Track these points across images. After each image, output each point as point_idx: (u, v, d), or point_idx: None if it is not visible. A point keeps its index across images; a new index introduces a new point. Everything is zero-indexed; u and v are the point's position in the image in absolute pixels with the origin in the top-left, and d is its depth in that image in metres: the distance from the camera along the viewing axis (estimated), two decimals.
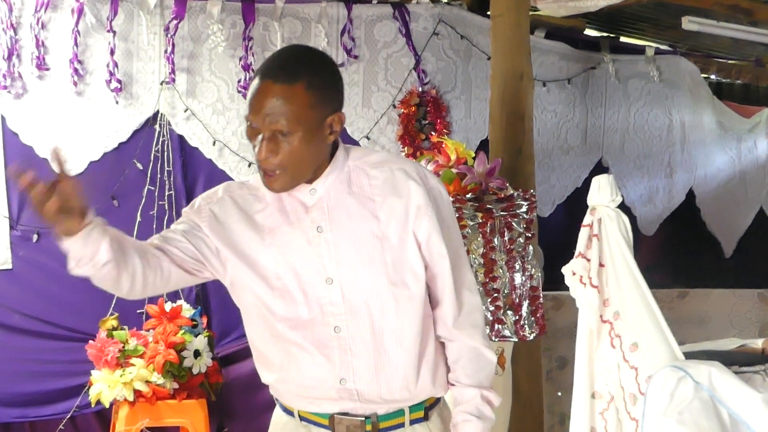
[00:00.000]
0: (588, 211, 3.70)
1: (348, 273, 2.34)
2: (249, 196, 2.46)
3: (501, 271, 4.10)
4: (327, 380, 2.36)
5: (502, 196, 4.16)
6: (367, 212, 2.36)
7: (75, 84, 5.12)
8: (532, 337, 4.21)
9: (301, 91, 2.23)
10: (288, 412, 2.48)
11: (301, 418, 2.44)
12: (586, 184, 3.85)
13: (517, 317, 4.13)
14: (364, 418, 2.38)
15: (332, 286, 2.34)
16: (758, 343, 3.91)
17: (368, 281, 2.34)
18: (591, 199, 3.69)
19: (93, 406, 4.81)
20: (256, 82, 2.28)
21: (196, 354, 4.79)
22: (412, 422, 2.43)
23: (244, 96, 5.28)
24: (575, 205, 6.13)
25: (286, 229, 2.37)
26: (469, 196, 4.08)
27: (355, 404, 2.38)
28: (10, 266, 5.09)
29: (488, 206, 4.08)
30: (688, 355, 3.53)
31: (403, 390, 2.38)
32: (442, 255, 2.40)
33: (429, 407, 2.46)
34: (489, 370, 2.53)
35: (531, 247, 4.25)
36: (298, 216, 2.37)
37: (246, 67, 5.36)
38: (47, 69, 5.09)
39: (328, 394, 2.37)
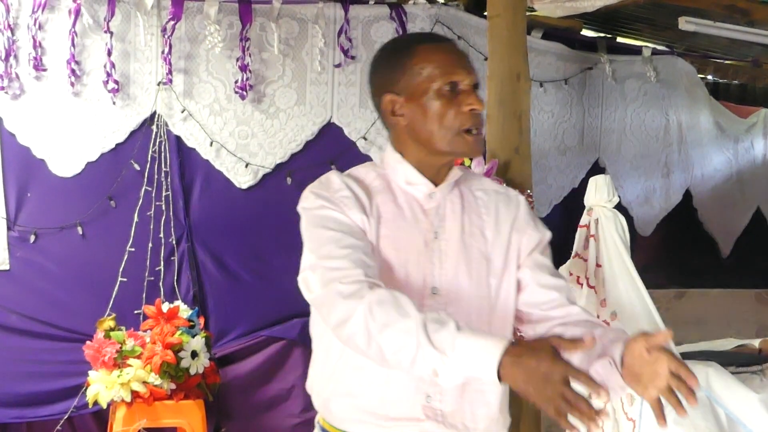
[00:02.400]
0: (585, 211, 3.71)
1: (454, 287, 2.25)
2: (358, 182, 2.32)
3: None
4: (412, 395, 2.21)
5: None
6: (476, 229, 2.33)
7: (72, 85, 5.11)
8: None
9: None
10: None
11: None
12: (583, 184, 3.86)
13: None
14: None
15: (436, 296, 2.24)
16: (755, 344, 3.93)
17: (472, 300, 2.27)
18: (588, 199, 3.70)
19: (90, 406, 4.80)
20: (438, 43, 2.32)
21: (194, 354, 4.79)
22: None
23: (242, 97, 5.31)
24: (572, 206, 6.14)
25: (403, 224, 2.28)
26: None
27: (438, 429, 2.22)
28: (7, 267, 5.09)
29: None
30: (686, 356, 3.54)
31: (485, 418, 2.28)
32: (547, 261, 2.41)
33: None
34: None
35: None
36: (416, 215, 2.30)
37: (243, 68, 5.36)
38: (44, 70, 5.08)
39: (411, 413, 2.22)
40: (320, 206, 2.25)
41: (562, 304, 2.38)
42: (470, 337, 1.95)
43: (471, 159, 4.30)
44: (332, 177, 2.31)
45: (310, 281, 2.22)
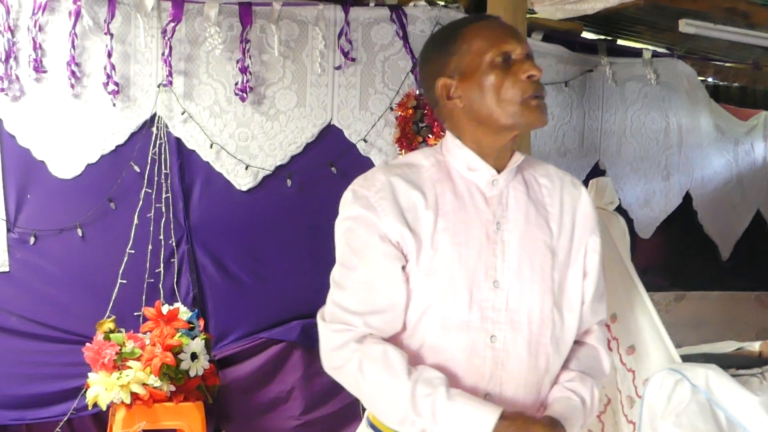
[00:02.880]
0: None
1: (517, 280, 2.19)
2: (413, 172, 2.24)
3: None
4: (471, 394, 2.14)
5: None
6: (542, 220, 2.27)
7: (72, 87, 5.11)
8: None
9: None
10: None
11: None
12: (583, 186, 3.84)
13: None
14: None
15: (498, 290, 2.18)
16: (755, 346, 3.92)
17: (535, 294, 2.21)
18: None
19: (90, 408, 4.80)
20: (488, 21, 2.26)
21: (193, 357, 4.79)
22: None
23: (242, 99, 5.31)
24: None
25: (464, 216, 2.19)
26: None
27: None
28: (7, 269, 5.08)
29: None
30: (686, 358, 3.54)
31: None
32: (597, 269, 2.37)
33: None
34: (601, 371, 2.41)
35: None
36: (477, 205, 2.21)
37: (243, 70, 5.36)
38: (44, 71, 5.08)
39: None
40: (354, 218, 2.20)
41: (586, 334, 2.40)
42: (460, 405, 2.02)
43: None
44: (378, 175, 2.23)
45: (325, 307, 2.25)
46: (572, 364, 2.33)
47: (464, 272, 2.15)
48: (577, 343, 2.38)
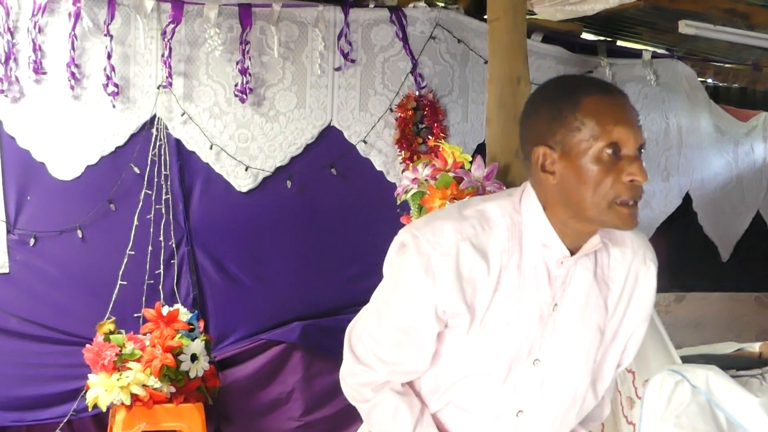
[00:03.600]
0: None
1: (559, 361, 2.11)
2: (487, 235, 2.05)
3: None
4: None
5: None
6: (601, 300, 2.14)
7: (72, 88, 5.11)
8: None
9: None
10: None
11: None
12: None
13: None
14: None
15: (537, 368, 2.10)
16: (755, 347, 3.92)
17: (574, 375, 2.14)
18: None
19: (90, 410, 4.79)
20: (613, 98, 2.03)
21: (193, 358, 4.79)
22: None
23: (242, 100, 5.31)
24: None
25: (521, 295, 2.06)
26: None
27: None
28: (7, 270, 5.08)
29: None
30: (686, 359, 3.54)
31: None
32: (637, 347, 2.29)
33: None
34: (600, 416, 2.38)
35: None
36: (539, 285, 2.07)
37: (243, 71, 5.36)
38: (44, 73, 5.08)
39: None
40: (411, 273, 2.06)
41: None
42: None
43: (470, 162, 4.30)
44: (448, 233, 2.04)
45: (355, 331, 2.20)
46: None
47: (508, 351, 2.08)
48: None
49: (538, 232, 2.06)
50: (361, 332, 2.18)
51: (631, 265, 2.19)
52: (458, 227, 2.04)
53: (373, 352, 2.14)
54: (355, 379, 2.19)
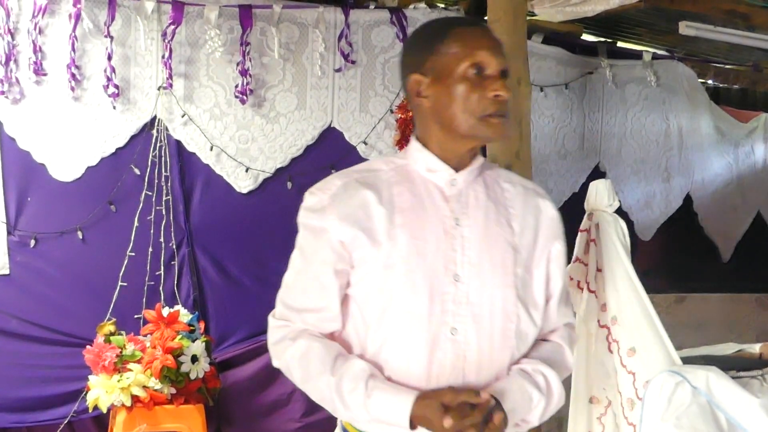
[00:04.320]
0: (585, 215, 3.70)
1: (477, 275, 2.24)
2: (370, 175, 2.33)
3: None
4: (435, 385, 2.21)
5: None
6: (502, 219, 2.32)
7: (72, 89, 5.11)
8: None
9: None
10: None
11: None
12: (584, 188, 3.86)
13: None
14: None
15: (459, 284, 2.22)
16: (756, 348, 3.92)
17: (497, 289, 2.26)
18: (588, 203, 3.70)
19: (90, 411, 4.79)
20: (470, 26, 2.28)
21: (194, 359, 4.79)
22: None
23: (242, 101, 5.31)
24: (573, 210, 6.09)
25: (421, 212, 2.26)
26: None
27: None
28: (7, 271, 5.08)
29: None
30: (686, 360, 3.54)
31: None
32: (562, 273, 2.45)
33: None
34: (564, 365, 2.45)
35: None
36: (435, 202, 2.28)
37: (243, 73, 5.36)
38: (44, 74, 5.08)
39: None
40: (305, 222, 2.32)
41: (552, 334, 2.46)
42: (381, 396, 2.13)
43: None
44: (334, 180, 2.33)
45: (272, 312, 2.43)
46: (532, 354, 2.37)
47: (423, 265, 2.20)
48: (542, 340, 2.43)
49: (422, 161, 2.30)
50: (279, 292, 2.42)
51: (526, 197, 2.39)
52: (344, 174, 2.36)
53: (284, 303, 2.37)
54: (274, 338, 2.35)
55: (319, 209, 2.27)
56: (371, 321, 2.24)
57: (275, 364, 2.37)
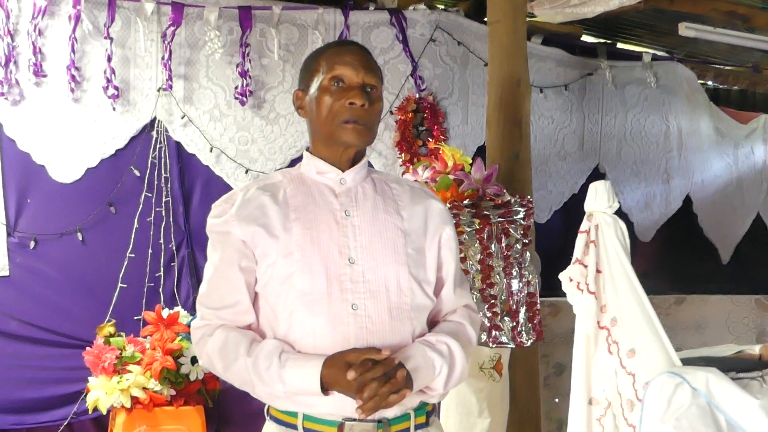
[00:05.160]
0: (585, 217, 3.69)
1: (370, 256, 2.46)
2: (269, 184, 2.56)
3: (498, 277, 4.10)
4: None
5: (499, 202, 4.16)
6: (391, 209, 2.56)
7: (72, 91, 5.11)
8: (529, 344, 4.21)
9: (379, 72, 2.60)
10: (288, 425, 2.43)
11: (305, 430, 2.39)
12: (583, 190, 3.85)
13: (515, 323, 4.13)
14: (376, 422, 2.37)
15: (354, 265, 2.43)
16: (755, 350, 3.91)
17: (389, 266, 2.47)
18: (588, 205, 3.69)
19: (90, 412, 4.79)
20: (339, 46, 2.61)
21: (194, 360, 4.79)
22: (417, 427, 2.45)
23: (242, 103, 5.31)
24: (572, 212, 6.14)
25: (313, 207, 2.49)
26: (466, 202, 4.08)
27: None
28: (7, 273, 5.09)
29: (485, 212, 4.08)
30: (686, 362, 3.53)
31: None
32: (454, 257, 2.64)
33: (429, 412, 2.52)
34: (467, 338, 2.60)
35: (528, 254, 4.25)
36: (326, 199, 2.51)
37: (243, 74, 5.36)
38: (44, 76, 5.09)
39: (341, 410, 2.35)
40: (211, 228, 2.55)
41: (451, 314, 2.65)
42: (293, 365, 2.31)
43: (471, 164, 4.30)
44: (236, 191, 2.57)
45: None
46: (435, 330, 2.55)
47: (317, 251, 2.43)
48: (443, 321, 2.62)
49: (312, 167, 2.56)
50: (197, 299, 2.59)
51: (413, 193, 2.65)
52: (245, 185, 2.59)
53: (202, 305, 2.53)
54: (195, 338, 2.50)
55: (222, 215, 2.51)
56: (277, 307, 2.43)
57: (201, 363, 2.54)
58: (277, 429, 2.45)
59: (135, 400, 4.64)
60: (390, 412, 2.37)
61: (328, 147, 2.53)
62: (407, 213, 2.57)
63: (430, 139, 5.64)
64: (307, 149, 2.61)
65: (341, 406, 2.33)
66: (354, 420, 2.35)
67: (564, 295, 3.73)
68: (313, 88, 2.51)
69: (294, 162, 5.57)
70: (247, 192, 2.53)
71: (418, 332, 2.49)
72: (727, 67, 7.79)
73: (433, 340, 2.46)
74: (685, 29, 5.83)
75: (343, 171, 2.54)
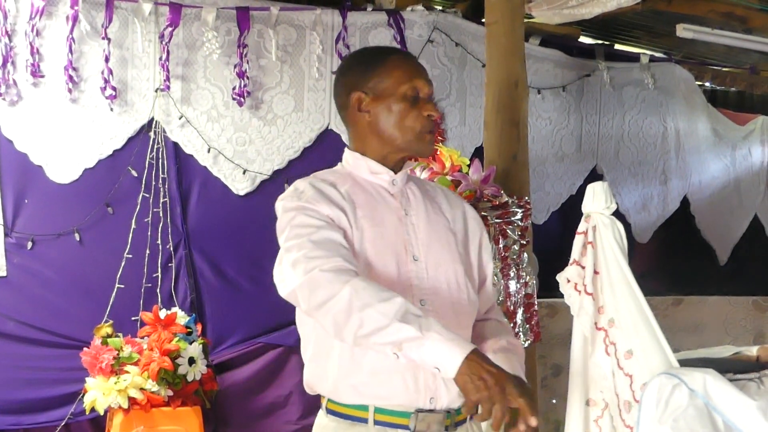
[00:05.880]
0: (583, 218, 3.70)
1: (431, 254, 2.54)
2: (330, 178, 2.61)
3: (496, 278, 4.10)
4: (412, 384, 2.41)
5: (497, 203, 4.16)
6: (438, 209, 2.66)
7: (70, 91, 5.11)
8: (526, 345, 4.21)
9: None
10: (354, 418, 2.45)
11: (376, 422, 2.42)
12: (581, 191, 3.85)
13: (512, 324, 4.13)
14: (445, 412, 2.44)
15: (418, 262, 2.51)
16: (753, 351, 3.92)
17: (448, 264, 2.55)
18: (585, 206, 3.69)
19: (87, 413, 4.79)
20: (407, 56, 2.70)
21: (191, 361, 4.79)
22: (472, 417, 2.50)
23: (239, 103, 5.31)
24: (570, 213, 6.14)
25: (375, 205, 2.55)
26: None
27: (440, 385, 2.41)
28: (4, 273, 5.09)
29: (483, 213, 4.08)
30: (683, 363, 3.53)
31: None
32: (491, 259, 2.77)
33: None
34: (518, 343, 2.74)
35: (526, 255, 4.25)
36: (385, 198, 2.58)
37: (241, 75, 5.36)
38: (42, 76, 5.09)
39: (417, 370, 2.39)
40: (294, 208, 2.55)
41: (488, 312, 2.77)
42: (444, 332, 2.20)
43: (468, 166, 4.30)
44: (299, 183, 2.63)
45: (289, 273, 2.50)
46: (502, 337, 2.67)
47: (388, 248, 2.49)
48: (487, 320, 2.75)
49: (364, 167, 2.62)
50: (294, 262, 2.49)
51: (447, 197, 2.76)
52: (303, 181, 2.64)
53: (309, 256, 2.42)
54: (326, 276, 2.33)
55: (303, 199, 2.54)
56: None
57: (319, 303, 2.35)
58: (336, 423, 2.48)
59: (132, 401, 4.63)
60: (455, 403, 2.44)
61: (389, 151, 2.59)
62: (450, 216, 2.67)
63: None
64: (350, 149, 2.69)
65: (414, 398, 2.41)
66: (426, 411, 2.41)
67: (561, 296, 3.73)
68: (386, 93, 2.55)
69: (292, 162, 5.57)
70: (314, 183, 2.58)
71: (470, 325, 2.62)
72: (724, 69, 7.80)
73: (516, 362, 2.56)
74: (683, 30, 5.83)
75: (394, 173, 2.60)
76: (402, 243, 2.52)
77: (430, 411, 2.41)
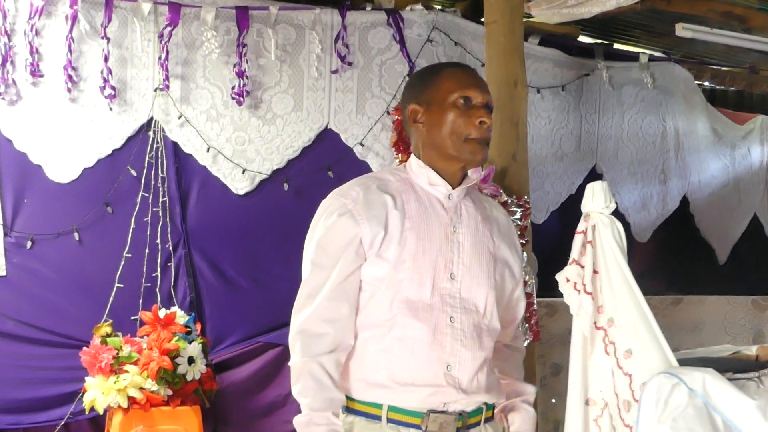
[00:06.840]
0: (582, 217, 3.69)
1: (468, 275, 2.62)
2: (384, 183, 2.65)
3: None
4: (435, 364, 2.55)
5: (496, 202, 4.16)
6: (487, 231, 2.72)
7: (69, 91, 5.11)
8: (526, 344, 4.21)
9: None
10: (369, 416, 2.56)
11: (389, 421, 2.54)
12: (580, 190, 3.84)
13: None
14: (457, 414, 2.56)
15: (454, 281, 2.59)
16: (752, 350, 3.92)
17: (482, 289, 2.64)
18: (585, 205, 3.69)
19: (87, 412, 4.79)
20: (462, 68, 2.73)
21: (190, 361, 4.79)
22: (485, 420, 2.67)
23: (239, 103, 5.31)
24: (569, 212, 6.13)
25: (426, 218, 2.60)
26: None
27: (455, 394, 2.55)
28: (4, 273, 5.08)
29: None
30: (682, 362, 3.53)
31: (486, 386, 2.64)
32: (521, 288, 2.90)
33: (494, 408, 2.75)
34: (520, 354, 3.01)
35: (525, 254, 4.25)
36: (437, 211, 2.63)
37: (240, 74, 5.36)
38: (41, 76, 5.08)
39: (435, 380, 2.54)
40: (331, 225, 2.56)
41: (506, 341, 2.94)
42: None
43: None
44: (353, 186, 2.63)
45: (292, 338, 2.57)
46: (514, 373, 2.95)
47: (427, 263, 2.56)
48: (511, 347, 2.96)
49: (424, 176, 2.65)
50: (302, 305, 2.56)
51: (501, 224, 2.82)
52: (361, 181, 2.65)
53: (302, 316, 2.54)
54: (293, 357, 2.53)
55: (346, 211, 2.56)
56: (384, 308, 2.56)
57: (300, 360, 2.55)
58: (356, 420, 2.58)
59: (132, 400, 4.63)
60: (469, 406, 2.59)
61: (443, 162, 2.63)
62: (498, 240, 2.75)
63: None
64: (416, 155, 2.71)
65: (428, 400, 2.54)
66: (438, 412, 2.54)
67: (561, 295, 3.73)
68: (438, 103, 2.60)
69: (291, 162, 5.57)
70: (369, 188, 2.61)
71: (490, 348, 2.71)
72: (724, 68, 7.79)
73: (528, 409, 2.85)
74: (682, 30, 5.83)
75: (452, 186, 2.65)
76: (443, 260, 2.59)
77: (442, 412, 2.54)
